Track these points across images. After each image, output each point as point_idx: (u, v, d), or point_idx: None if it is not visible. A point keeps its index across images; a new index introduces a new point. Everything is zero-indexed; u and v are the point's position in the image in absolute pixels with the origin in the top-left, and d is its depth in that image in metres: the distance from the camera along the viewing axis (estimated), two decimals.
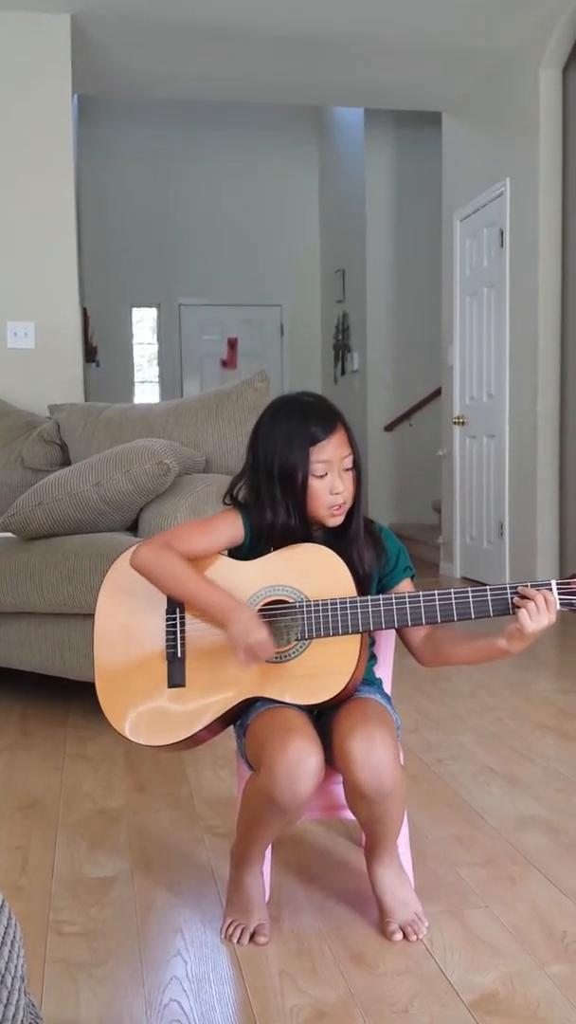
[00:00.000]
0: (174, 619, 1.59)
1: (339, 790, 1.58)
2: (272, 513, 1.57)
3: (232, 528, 1.62)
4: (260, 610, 1.56)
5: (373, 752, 1.45)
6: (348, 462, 1.58)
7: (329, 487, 1.56)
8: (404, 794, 1.54)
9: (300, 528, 1.58)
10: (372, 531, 1.65)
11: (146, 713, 1.57)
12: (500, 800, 2.17)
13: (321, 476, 1.55)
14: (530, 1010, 1.37)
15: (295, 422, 1.56)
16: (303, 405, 1.59)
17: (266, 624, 1.52)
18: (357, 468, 1.60)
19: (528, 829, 2.00)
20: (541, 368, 4.58)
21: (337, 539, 1.60)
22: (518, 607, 1.49)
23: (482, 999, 1.39)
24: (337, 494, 1.57)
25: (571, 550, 4.53)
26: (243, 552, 1.63)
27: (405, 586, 1.66)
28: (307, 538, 1.59)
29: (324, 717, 1.57)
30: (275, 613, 1.56)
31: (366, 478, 1.65)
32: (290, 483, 1.55)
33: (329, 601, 1.53)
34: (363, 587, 1.58)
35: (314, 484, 1.55)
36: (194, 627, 1.58)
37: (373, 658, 1.72)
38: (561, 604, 1.50)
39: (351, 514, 1.61)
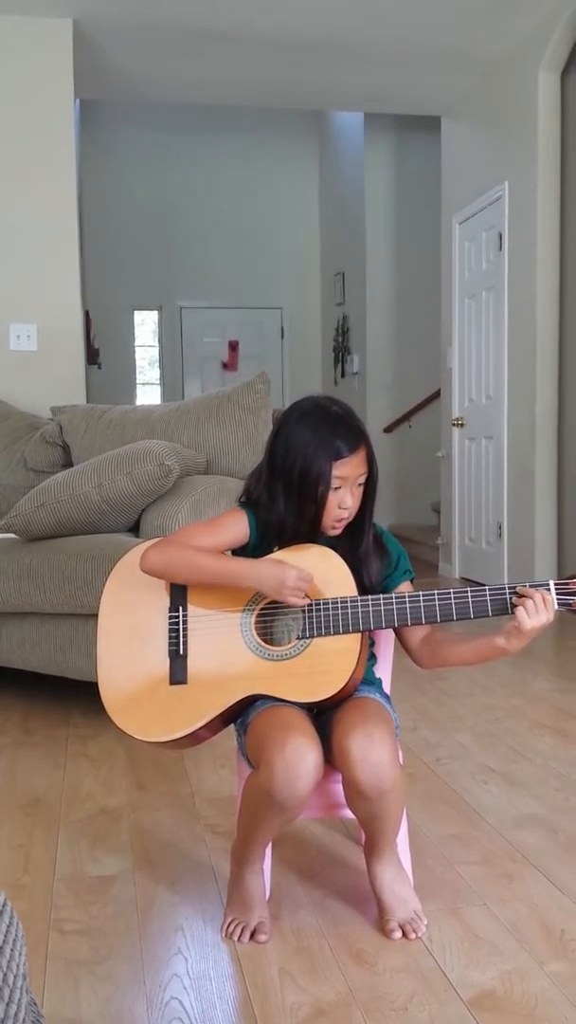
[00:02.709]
0: (177, 617, 1.60)
1: (338, 789, 1.59)
2: (284, 516, 1.58)
3: (237, 527, 1.63)
4: (262, 608, 1.57)
5: (372, 750, 1.46)
6: (362, 479, 1.59)
7: (339, 501, 1.57)
8: (403, 792, 1.55)
9: (308, 535, 1.59)
10: (379, 541, 1.66)
11: (147, 710, 1.58)
12: (498, 799, 2.18)
13: (335, 489, 1.56)
14: (528, 1008, 1.38)
15: (323, 433, 1.55)
16: (332, 417, 1.58)
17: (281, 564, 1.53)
18: (372, 485, 1.61)
19: (526, 828, 2.01)
20: (539, 370, 4.59)
21: (348, 555, 1.60)
22: (516, 605, 1.51)
23: (480, 997, 1.40)
24: (344, 509, 1.58)
25: (569, 551, 4.55)
26: (248, 551, 1.64)
27: (404, 588, 1.67)
28: (312, 539, 1.60)
29: (324, 716, 1.58)
30: (277, 612, 1.58)
31: (374, 492, 1.64)
32: (309, 491, 1.55)
33: (330, 600, 1.54)
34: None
35: (329, 497, 1.56)
36: (196, 625, 1.59)
37: (373, 658, 1.73)
38: (559, 604, 1.51)
39: (362, 529, 1.62)
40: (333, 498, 1.56)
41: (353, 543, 1.62)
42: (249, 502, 1.65)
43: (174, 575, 1.58)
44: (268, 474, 1.61)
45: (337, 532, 1.61)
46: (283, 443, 1.58)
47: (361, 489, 1.60)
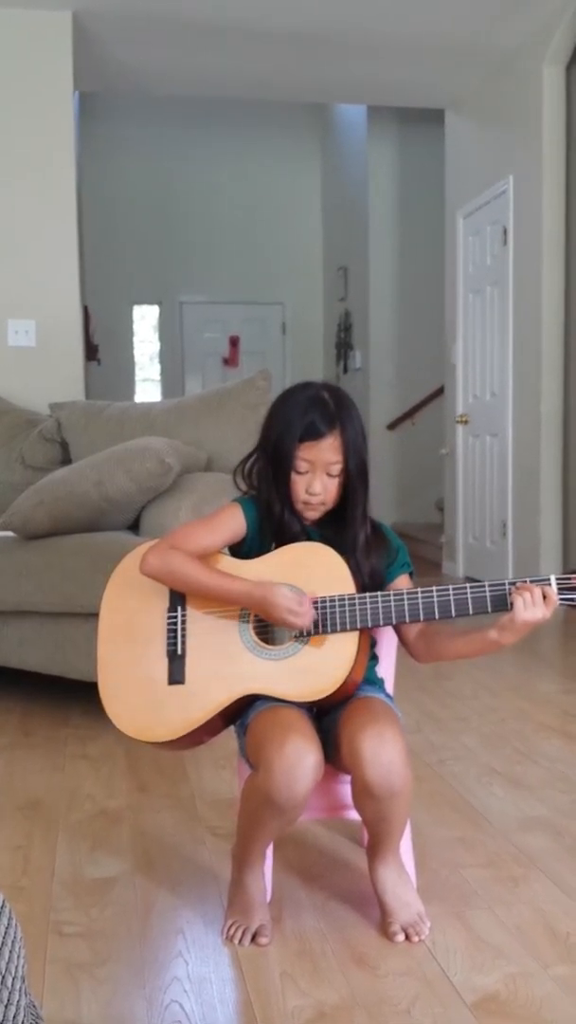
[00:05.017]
0: (175, 617, 1.59)
1: (341, 789, 1.58)
2: (268, 494, 1.61)
3: (235, 521, 1.63)
4: None
5: (383, 750, 1.45)
6: (334, 469, 1.58)
7: (306, 485, 1.58)
8: (411, 794, 1.54)
9: (286, 512, 1.60)
10: (379, 534, 1.65)
11: (146, 710, 1.57)
12: (503, 801, 2.16)
13: (302, 473, 1.58)
14: (532, 1011, 1.36)
15: (297, 413, 1.58)
16: (311, 399, 1.59)
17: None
18: (353, 476, 1.59)
19: (531, 830, 1.99)
20: (544, 366, 4.56)
21: (340, 551, 1.59)
22: (513, 594, 1.49)
23: (484, 1000, 1.39)
24: (312, 495, 1.58)
25: (575, 549, 4.52)
26: (245, 547, 1.64)
27: (402, 582, 1.66)
28: (300, 527, 1.60)
29: (327, 717, 1.57)
30: None
31: (365, 485, 1.62)
32: (279, 470, 1.59)
33: (328, 597, 1.53)
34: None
35: (294, 478, 1.58)
36: (195, 625, 1.58)
37: (375, 658, 1.72)
38: (561, 600, 1.50)
39: (346, 523, 1.61)
40: (299, 481, 1.58)
41: (342, 538, 1.61)
42: (249, 491, 1.66)
43: (173, 584, 1.59)
44: (261, 454, 1.64)
45: (313, 515, 1.61)
46: (268, 421, 1.63)
47: (335, 480, 1.59)
